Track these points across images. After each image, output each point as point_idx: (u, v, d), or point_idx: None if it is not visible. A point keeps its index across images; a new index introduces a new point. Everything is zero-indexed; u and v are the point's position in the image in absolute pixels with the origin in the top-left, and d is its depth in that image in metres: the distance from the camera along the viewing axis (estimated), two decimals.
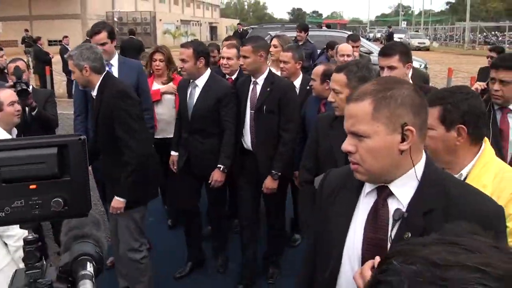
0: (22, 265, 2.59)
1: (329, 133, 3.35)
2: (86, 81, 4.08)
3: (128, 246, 4.31)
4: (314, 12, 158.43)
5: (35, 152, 1.23)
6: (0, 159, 1.20)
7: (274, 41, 6.46)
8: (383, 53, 3.96)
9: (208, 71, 4.78)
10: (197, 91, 4.73)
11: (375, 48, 14.94)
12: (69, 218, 1.29)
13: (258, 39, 4.84)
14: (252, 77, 4.64)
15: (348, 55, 6.43)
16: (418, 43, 45.27)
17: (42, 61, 15.77)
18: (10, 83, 5.01)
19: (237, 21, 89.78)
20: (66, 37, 17.06)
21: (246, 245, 4.93)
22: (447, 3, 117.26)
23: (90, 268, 1.19)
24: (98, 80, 4.06)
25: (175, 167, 5.06)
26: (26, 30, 30.28)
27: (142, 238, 4.39)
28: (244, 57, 4.55)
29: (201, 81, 4.72)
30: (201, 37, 66.46)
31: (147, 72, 5.83)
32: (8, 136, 3.97)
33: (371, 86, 1.77)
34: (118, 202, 4.08)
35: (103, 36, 4.92)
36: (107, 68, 4.53)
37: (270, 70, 4.71)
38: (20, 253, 2.39)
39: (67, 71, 16.14)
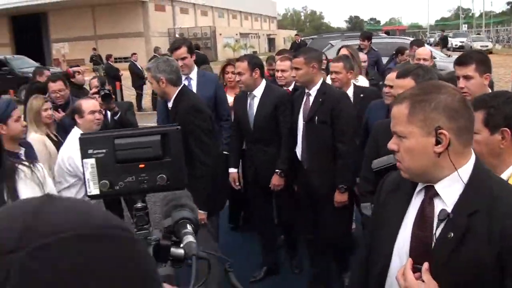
0: None
1: (388, 140, 3.11)
2: (162, 92, 4.30)
3: None
4: (372, 19, 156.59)
5: (143, 139, 1.65)
6: (116, 145, 1.62)
7: (344, 51, 6.36)
8: (458, 62, 3.65)
9: (264, 81, 4.90)
10: (256, 101, 4.84)
11: (438, 53, 14.81)
12: (170, 190, 1.62)
13: (310, 51, 4.82)
14: (305, 89, 4.59)
15: (425, 59, 5.92)
16: (481, 46, 43.65)
17: (112, 77, 16.57)
18: (94, 89, 5.48)
19: (295, 32, 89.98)
20: (134, 54, 17.89)
21: (315, 258, 4.88)
22: (508, 3, 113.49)
23: (190, 228, 1.49)
24: (174, 92, 4.24)
25: (236, 184, 5.12)
26: (94, 49, 31.65)
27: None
28: (296, 68, 4.49)
29: (258, 91, 4.84)
30: (260, 49, 67.04)
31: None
32: None
33: (411, 90, 1.91)
34: (201, 214, 4.13)
35: (183, 51, 5.10)
36: (186, 82, 4.90)
37: (323, 81, 4.64)
38: None
39: (136, 86, 16.95)
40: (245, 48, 54.80)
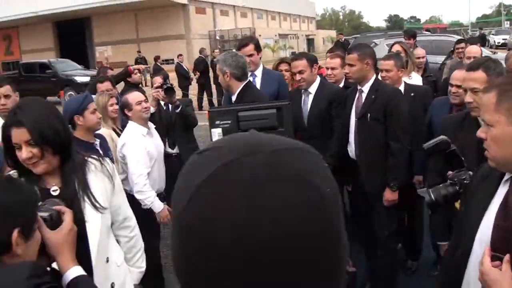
0: (129, 256, 2.94)
1: (459, 134, 3.12)
2: (227, 85, 4.45)
3: None
4: (411, 17, 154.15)
5: (262, 112, 1.99)
6: (240, 117, 1.95)
7: (397, 47, 6.21)
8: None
9: (318, 78, 4.95)
10: (310, 98, 4.86)
11: (484, 50, 14.59)
12: None
13: (364, 47, 4.74)
14: (358, 85, 4.50)
15: (475, 57, 5.69)
16: None
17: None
18: (158, 84, 5.69)
19: (333, 32, 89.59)
20: (180, 55, 18.46)
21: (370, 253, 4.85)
22: None
23: None
24: (238, 86, 4.35)
25: None
26: (139, 52, 32.27)
27: None
28: (350, 65, 4.43)
29: (313, 88, 4.85)
30: (299, 49, 66.86)
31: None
32: (143, 129, 4.68)
33: (500, 79, 1.97)
34: None
35: (250, 48, 5.21)
36: (251, 78, 5.04)
37: (376, 77, 4.53)
38: (131, 243, 2.85)
39: (182, 86, 17.35)
40: (284, 49, 55.03)
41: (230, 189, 0.66)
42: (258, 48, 5.30)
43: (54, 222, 1.75)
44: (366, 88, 4.42)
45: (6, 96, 4.24)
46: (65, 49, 51.04)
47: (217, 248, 0.66)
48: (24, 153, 2.16)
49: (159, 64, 18.49)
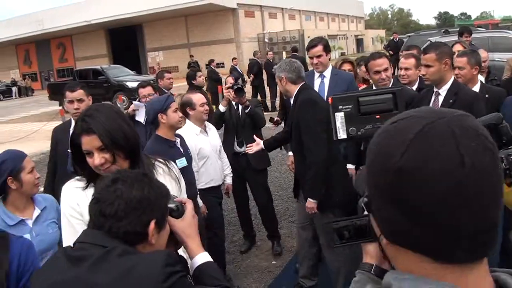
0: None
1: None
2: (284, 90, 4.60)
3: (327, 245, 4.58)
4: (462, 14, 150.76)
5: (379, 97, 2.23)
6: (361, 101, 2.17)
7: (458, 47, 6.08)
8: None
9: (391, 81, 4.91)
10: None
11: None
12: None
13: (441, 46, 4.36)
14: (434, 87, 4.24)
15: None
16: None
17: (214, 81, 17.36)
18: (229, 84, 5.84)
19: (383, 31, 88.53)
20: (235, 58, 18.97)
21: None
22: None
23: None
24: (294, 89, 4.51)
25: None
26: (191, 56, 32.81)
27: None
28: (427, 66, 4.16)
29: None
30: (348, 50, 66.76)
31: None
32: (197, 129, 5.03)
33: None
34: (309, 202, 4.41)
35: (319, 49, 5.20)
36: (319, 79, 5.22)
37: (454, 79, 4.26)
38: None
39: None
40: (334, 49, 54.77)
41: (437, 141, 0.88)
42: (326, 49, 5.30)
43: (180, 212, 1.87)
44: (443, 90, 4.16)
45: (79, 100, 4.48)
46: (118, 55, 52.42)
47: (434, 189, 0.86)
48: (96, 159, 2.16)
49: (213, 67, 18.77)
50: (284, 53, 35.61)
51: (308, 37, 52.36)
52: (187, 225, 1.88)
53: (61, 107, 22.64)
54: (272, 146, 5.09)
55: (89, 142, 2.17)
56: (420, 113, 0.95)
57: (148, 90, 6.05)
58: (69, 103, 4.49)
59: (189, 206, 1.94)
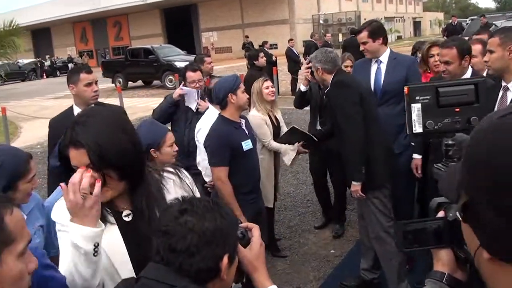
0: None
1: None
2: (321, 79, 4.58)
3: (374, 229, 4.44)
4: None
5: (461, 88, 2.01)
6: (440, 92, 1.99)
7: None
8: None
9: (470, 69, 4.28)
10: None
11: None
12: None
13: (509, 30, 3.80)
14: (502, 80, 3.71)
15: None
16: None
17: (268, 62, 17.18)
18: (306, 65, 5.64)
19: (441, 14, 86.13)
20: (291, 39, 18.67)
21: None
22: None
23: None
24: (330, 78, 4.49)
25: (418, 172, 4.76)
26: (247, 37, 32.78)
27: (387, 219, 4.39)
28: (490, 51, 3.68)
29: None
30: (405, 33, 65.29)
31: (423, 69, 5.50)
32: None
33: None
34: (352, 185, 4.33)
35: (363, 35, 4.86)
36: (376, 65, 4.93)
37: None
38: None
39: (292, 71, 17.39)
40: (390, 32, 53.57)
41: None
42: (373, 35, 4.84)
43: (246, 240, 1.68)
44: None
45: (96, 83, 4.36)
46: (172, 35, 52.85)
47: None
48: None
49: (266, 49, 18.60)
50: (340, 35, 35.04)
51: (365, 19, 51.41)
52: (255, 257, 1.68)
53: (118, 84, 23.08)
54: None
55: (76, 156, 1.81)
56: None
57: (199, 75, 5.62)
58: (86, 86, 4.29)
59: (256, 233, 1.72)
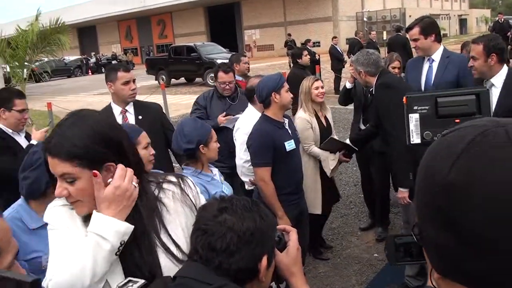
0: None
1: None
2: (364, 82, 4.59)
3: None
4: None
5: (461, 98, 1.96)
6: (440, 102, 1.93)
7: None
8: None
9: (505, 69, 4.06)
10: (495, 92, 3.97)
11: None
12: None
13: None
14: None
15: None
16: None
17: (311, 61, 17.05)
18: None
19: (488, 11, 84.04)
20: (335, 37, 18.51)
21: None
22: None
23: None
24: (373, 80, 4.48)
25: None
26: (289, 35, 32.66)
27: None
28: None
29: (497, 80, 4.03)
30: (450, 31, 63.89)
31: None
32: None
33: None
34: (400, 192, 4.27)
35: (415, 31, 4.71)
36: (427, 63, 4.75)
37: None
38: None
39: (335, 69, 17.21)
40: None
41: (493, 148, 0.75)
42: (425, 31, 4.67)
43: (283, 244, 1.63)
44: None
45: (134, 81, 4.30)
46: (215, 33, 53.20)
47: (494, 206, 0.72)
48: (57, 189, 1.68)
49: (309, 47, 18.47)
50: (384, 32, 34.48)
51: (410, 16, 50.76)
52: (292, 261, 1.63)
53: (161, 81, 23.32)
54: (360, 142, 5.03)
55: (51, 165, 1.68)
56: (478, 122, 0.83)
57: (230, 77, 5.41)
58: (123, 84, 4.24)
59: (294, 237, 1.67)
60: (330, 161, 5.04)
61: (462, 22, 73.00)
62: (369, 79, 4.47)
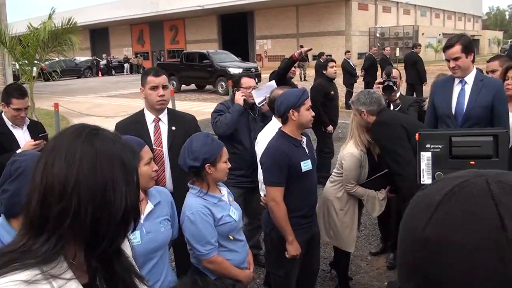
0: None
1: None
2: (366, 122, 4.41)
3: None
4: None
5: (477, 138, 1.79)
6: (454, 142, 1.74)
7: None
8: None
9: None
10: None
11: None
12: None
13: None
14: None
15: None
16: None
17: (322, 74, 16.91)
18: (380, 80, 5.67)
19: (500, 33, 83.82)
20: (348, 51, 18.35)
21: None
22: None
23: None
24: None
25: None
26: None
27: None
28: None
29: None
30: None
31: None
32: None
33: None
34: None
35: (456, 49, 4.30)
36: (459, 85, 4.41)
37: None
38: None
39: (347, 83, 17.02)
40: None
41: (470, 201, 0.73)
42: (466, 50, 4.32)
43: None
44: None
45: (165, 87, 4.03)
46: (227, 40, 53.28)
47: (468, 262, 0.70)
48: None
49: (322, 61, 18.29)
50: (397, 49, 34.33)
51: (422, 34, 50.76)
52: None
53: (172, 87, 23.25)
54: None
55: None
56: (461, 173, 0.81)
57: (252, 82, 5.27)
58: (151, 89, 3.98)
59: None
60: (378, 201, 4.63)
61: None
62: (371, 118, 4.37)
